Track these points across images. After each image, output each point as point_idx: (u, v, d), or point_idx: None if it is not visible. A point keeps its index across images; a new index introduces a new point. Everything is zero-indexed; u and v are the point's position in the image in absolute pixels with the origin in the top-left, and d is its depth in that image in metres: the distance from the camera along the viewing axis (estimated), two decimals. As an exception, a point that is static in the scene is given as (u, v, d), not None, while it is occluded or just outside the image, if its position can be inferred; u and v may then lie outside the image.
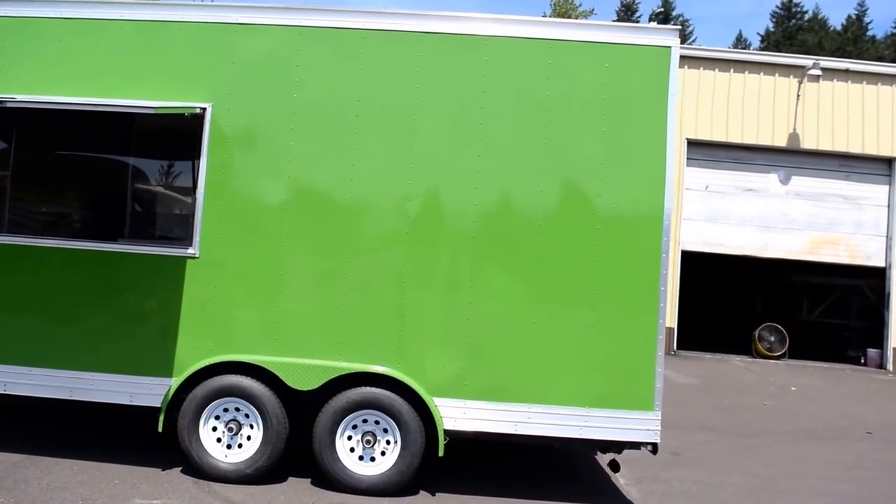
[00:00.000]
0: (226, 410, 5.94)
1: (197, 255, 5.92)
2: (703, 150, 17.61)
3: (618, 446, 6.04)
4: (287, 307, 5.93)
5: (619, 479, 6.93)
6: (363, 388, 5.87)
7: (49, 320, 5.97)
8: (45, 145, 6.25)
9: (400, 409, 5.85)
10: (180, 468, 6.02)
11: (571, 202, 5.96)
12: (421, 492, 6.04)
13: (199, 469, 5.88)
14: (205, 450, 5.89)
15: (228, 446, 5.94)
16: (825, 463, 7.99)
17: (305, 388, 5.86)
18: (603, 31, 5.97)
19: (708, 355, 17.45)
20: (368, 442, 5.90)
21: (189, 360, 5.89)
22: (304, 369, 5.86)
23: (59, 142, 6.25)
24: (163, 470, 6.00)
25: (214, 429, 5.94)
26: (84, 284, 5.98)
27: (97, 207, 6.20)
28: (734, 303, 22.50)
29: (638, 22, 60.65)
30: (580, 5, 39.04)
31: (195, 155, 5.93)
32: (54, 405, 5.97)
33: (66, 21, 6.00)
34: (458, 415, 5.87)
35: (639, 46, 5.98)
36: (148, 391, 5.89)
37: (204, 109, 5.90)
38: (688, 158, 17.52)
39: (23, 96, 5.59)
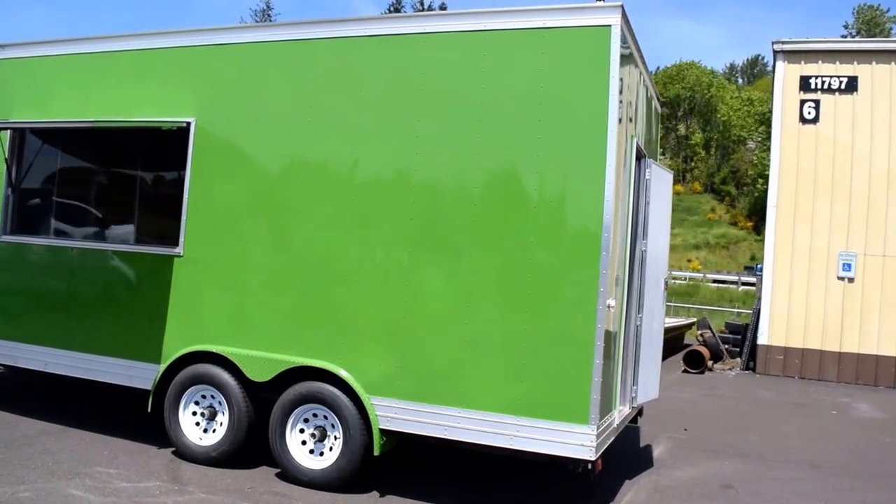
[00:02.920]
0: (204, 397, 6.47)
1: (181, 254, 6.55)
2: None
3: (551, 461, 5.57)
4: (249, 302, 6.33)
5: (618, 504, 6.34)
6: (308, 382, 6.07)
7: (74, 308, 6.98)
8: (72, 162, 7.32)
9: (340, 405, 5.95)
10: (173, 449, 6.63)
11: (506, 199, 5.68)
12: (373, 491, 6.06)
13: (177, 448, 6.48)
14: (182, 431, 6.46)
15: (205, 430, 6.45)
16: (918, 515, 6.55)
17: (261, 380, 6.19)
18: (538, 15, 5.61)
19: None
20: (314, 436, 6.08)
21: (173, 348, 6.51)
22: (258, 361, 6.20)
23: (82, 158, 7.29)
24: (158, 448, 6.66)
25: (194, 413, 6.49)
26: (99, 279, 6.91)
27: (111, 213, 7.11)
28: None
29: None
30: (888, 10, 35.04)
31: (184, 165, 6.58)
32: (77, 382, 6.92)
33: (91, 55, 7.02)
34: (391, 414, 5.83)
35: (576, 28, 5.56)
36: (142, 375, 6.61)
37: (188, 123, 6.55)
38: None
39: (20, 120, 6.70)
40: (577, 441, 5.37)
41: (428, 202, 5.85)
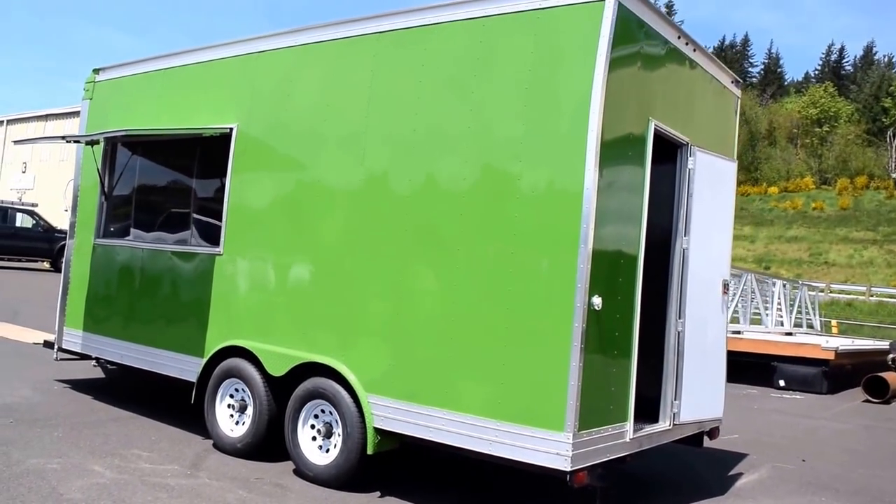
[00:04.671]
0: (237, 390, 6.73)
1: (222, 254, 6.89)
2: None
3: (527, 469, 5.16)
4: (272, 298, 6.53)
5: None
6: (316, 378, 6.11)
7: (141, 305, 7.56)
8: (146, 169, 7.93)
9: (341, 402, 5.93)
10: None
11: (489, 192, 5.42)
12: (376, 491, 5.96)
13: (212, 438, 6.77)
14: (217, 422, 6.74)
15: (237, 423, 6.70)
16: None
17: (278, 374, 6.33)
18: (534, -6, 5.32)
19: None
20: (320, 432, 6.11)
21: (213, 343, 6.84)
22: (276, 356, 6.35)
23: (153, 165, 7.89)
24: (203, 438, 6.99)
25: (229, 406, 6.76)
26: (160, 278, 7.43)
27: (174, 216, 7.61)
28: None
29: None
30: None
31: (226, 168, 6.94)
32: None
33: (163, 71, 7.62)
34: (385, 413, 5.71)
35: (568, 7, 5.20)
36: (190, 368, 6.99)
37: (231, 130, 6.90)
38: None
39: (96, 132, 7.38)
40: (552, 449, 4.95)
41: (419, 198, 5.73)
